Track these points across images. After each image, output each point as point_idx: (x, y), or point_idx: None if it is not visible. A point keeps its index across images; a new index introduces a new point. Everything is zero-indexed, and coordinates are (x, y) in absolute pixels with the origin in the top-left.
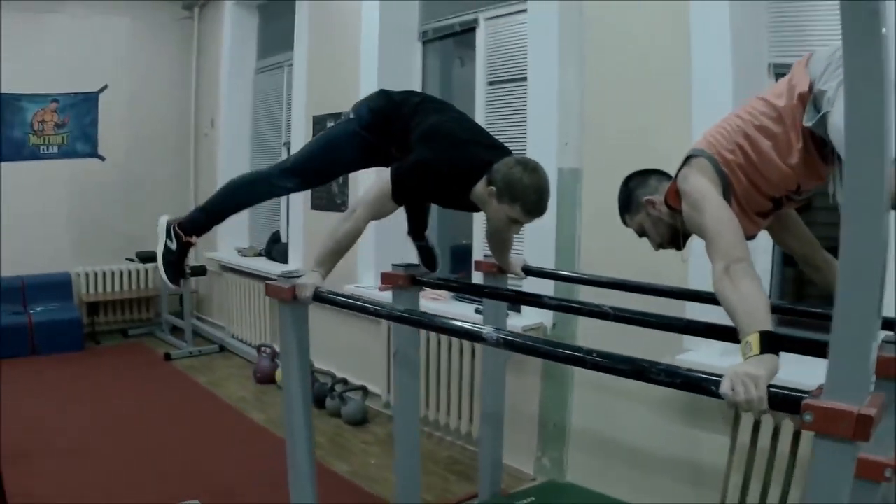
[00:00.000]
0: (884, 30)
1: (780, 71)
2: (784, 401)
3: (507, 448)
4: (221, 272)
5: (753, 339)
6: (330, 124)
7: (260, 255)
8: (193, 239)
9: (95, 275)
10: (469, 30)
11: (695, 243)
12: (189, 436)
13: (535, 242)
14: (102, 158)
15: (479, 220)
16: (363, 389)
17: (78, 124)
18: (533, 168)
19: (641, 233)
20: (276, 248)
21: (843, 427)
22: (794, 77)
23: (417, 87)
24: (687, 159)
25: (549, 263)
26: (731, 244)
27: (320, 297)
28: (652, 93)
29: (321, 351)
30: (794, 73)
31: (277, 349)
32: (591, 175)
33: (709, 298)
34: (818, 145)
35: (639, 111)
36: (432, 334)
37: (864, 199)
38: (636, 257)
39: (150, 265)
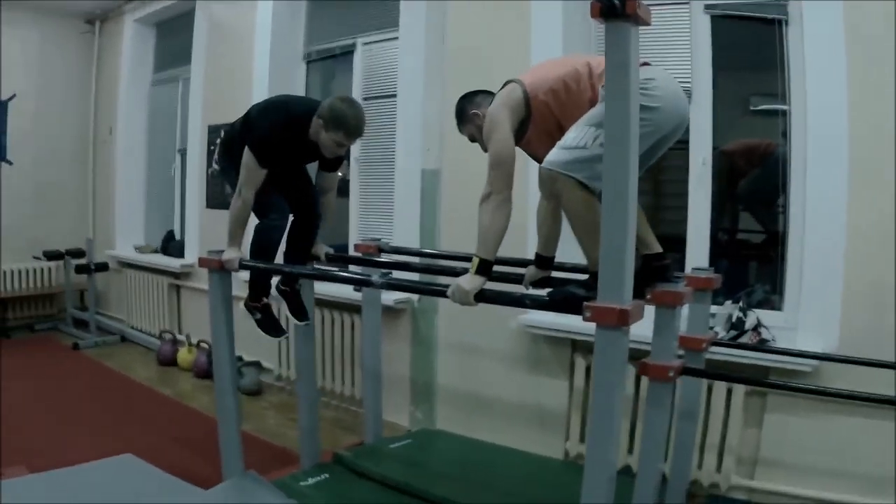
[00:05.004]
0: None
1: None
2: (572, 304)
3: (384, 405)
4: (121, 268)
5: (475, 261)
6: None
7: (156, 251)
8: (263, 300)
9: (3, 273)
10: (348, 52)
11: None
12: (110, 407)
13: (402, 229)
14: (10, 163)
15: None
16: (257, 364)
17: None
18: (350, 102)
19: (472, 139)
20: (171, 245)
21: (610, 317)
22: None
23: None
24: (506, 83)
25: (414, 247)
26: (501, 178)
27: (245, 266)
28: None
29: None
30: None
31: (177, 335)
32: (449, 175)
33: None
34: None
35: None
36: (316, 313)
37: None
38: None
39: (54, 263)
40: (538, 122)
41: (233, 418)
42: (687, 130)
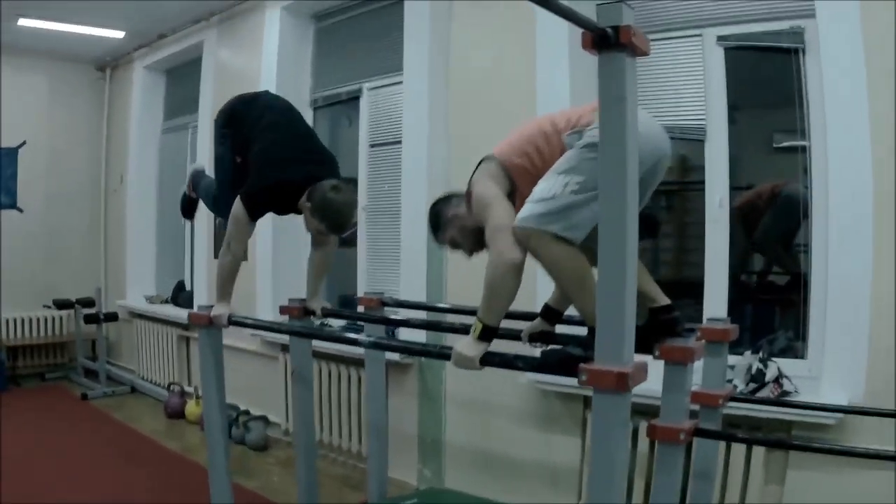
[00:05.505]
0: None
1: None
2: (567, 366)
3: (392, 463)
4: (131, 318)
5: (478, 326)
6: None
7: (166, 302)
8: (195, 194)
9: (15, 321)
10: (354, 98)
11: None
12: (112, 460)
13: (409, 279)
14: (21, 210)
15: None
16: (264, 419)
17: None
18: (344, 195)
19: (454, 245)
20: (181, 296)
21: (607, 381)
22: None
23: None
24: (479, 163)
25: (421, 297)
26: (507, 241)
27: (235, 322)
28: None
29: (227, 386)
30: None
31: (185, 387)
32: None
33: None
34: None
35: None
36: (324, 368)
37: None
38: None
39: (65, 311)
40: (524, 190)
41: (223, 472)
42: (703, 171)
